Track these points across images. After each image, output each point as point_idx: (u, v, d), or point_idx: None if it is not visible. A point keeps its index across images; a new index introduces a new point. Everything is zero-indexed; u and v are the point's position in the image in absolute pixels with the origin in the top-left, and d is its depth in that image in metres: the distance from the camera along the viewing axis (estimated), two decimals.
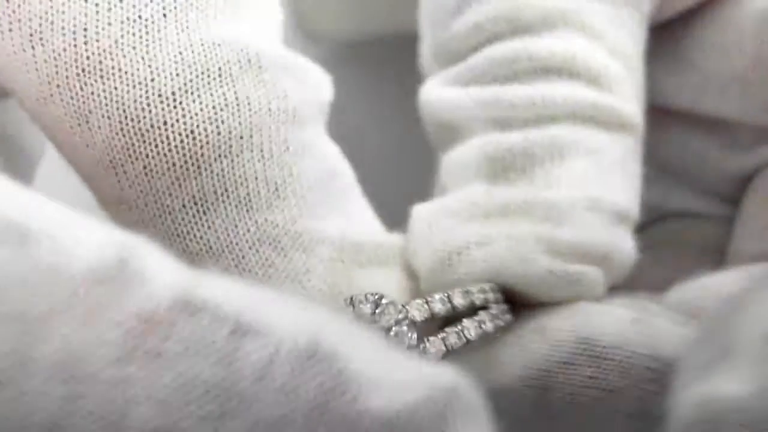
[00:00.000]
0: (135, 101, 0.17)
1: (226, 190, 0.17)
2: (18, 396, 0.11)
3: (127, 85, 0.17)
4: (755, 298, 0.16)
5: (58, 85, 0.17)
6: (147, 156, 0.17)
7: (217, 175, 0.17)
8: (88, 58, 0.17)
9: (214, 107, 0.17)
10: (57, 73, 0.17)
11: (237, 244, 0.17)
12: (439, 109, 0.21)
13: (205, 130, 0.17)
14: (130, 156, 0.17)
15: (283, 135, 0.18)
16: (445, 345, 0.18)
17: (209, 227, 0.17)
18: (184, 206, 0.17)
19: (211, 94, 0.17)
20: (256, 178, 0.17)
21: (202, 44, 0.17)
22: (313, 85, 0.19)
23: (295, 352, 0.12)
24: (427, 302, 0.18)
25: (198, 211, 0.17)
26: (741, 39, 0.23)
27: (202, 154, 0.17)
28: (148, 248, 0.13)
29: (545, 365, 0.18)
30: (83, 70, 0.17)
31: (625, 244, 0.20)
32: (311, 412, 0.12)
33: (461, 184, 0.20)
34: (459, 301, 0.18)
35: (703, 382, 0.15)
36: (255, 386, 0.12)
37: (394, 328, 0.17)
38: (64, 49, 0.17)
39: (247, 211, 0.17)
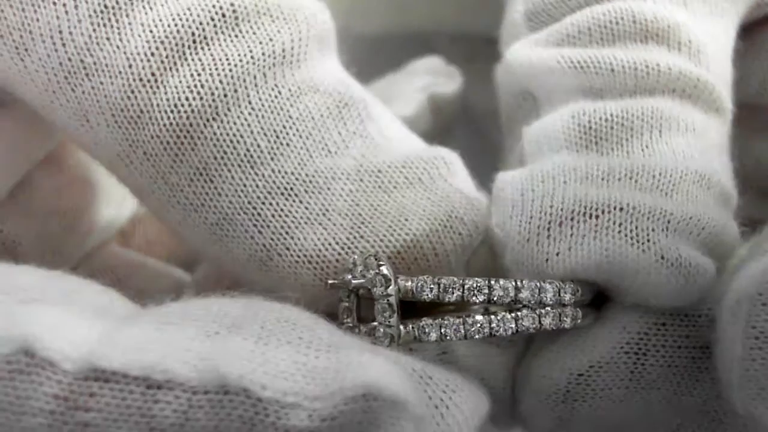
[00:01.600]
0: (120, 91, 0.17)
1: (225, 153, 0.17)
2: None
3: (109, 77, 0.17)
4: None
5: (53, 91, 0.17)
6: (144, 142, 0.17)
7: (212, 140, 0.17)
8: (69, 59, 0.17)
9: (192, 75, 0.17)
10: (49, 80, 0.17)
11: (249, 202, 0.17)
12: (526, 74, 0.21)
13: (187, 99, 0.17)
14: (130, 145, 0.17)
15: (272, 81, 0.17)
16: (517, 326, 0.17)
17: (220, 194, 0.17)
18: (191, 180, 0.17)
19: (188, 63, 0.17)
20: (252, 132, 0.17)
21: (171, 15, 0.17)
22: (305, 20, 0.18)
23: (208, 394, 0.13)
24: (489, 286, 0.17)
25: (205, 181, 0.17)
26: None
27: (191, 124, 0.17)
28: (51, 322, 0.14)
29: (642, 328, 0.18)
30: (69, 72, 0.17)
31: (733, 229, 0.19)
32: None
33: (548, 154, 0.19)
34: (549, 296, 0.17)
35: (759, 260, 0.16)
36: (180, 430, 0.13)
37: (380, 302, 0.17)
38: (48, 56, 0.17)
39: (252, 167, 0.17)
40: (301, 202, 0.17)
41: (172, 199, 0.17)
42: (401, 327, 0.17)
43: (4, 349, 0.13)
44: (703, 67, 0.20)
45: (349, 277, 0.17)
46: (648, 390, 0.18)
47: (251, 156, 0.17)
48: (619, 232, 0.17)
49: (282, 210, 0.17)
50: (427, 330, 0.17)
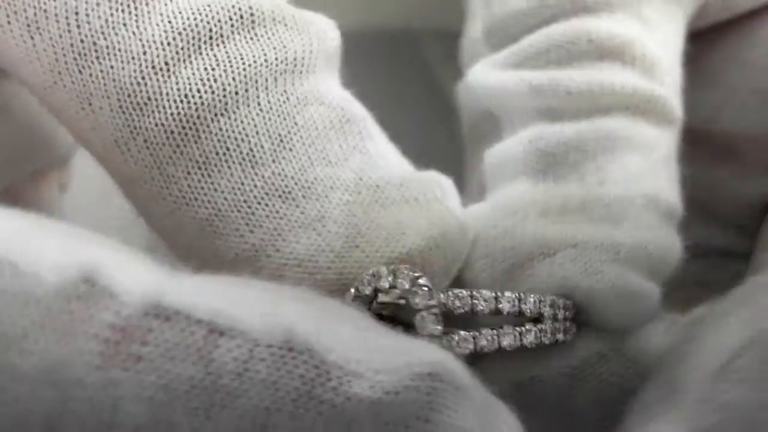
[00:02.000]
0: (130, 77, 0.17)
1: (228, 149, 0.17)
2: (12, 400, 0.12)
3: (121, 61, 0.17)
4: (707, 337, 0.17)
5: (59, 72, 0.17)
6: (147, 129, 0.17)
7: (216, 135, 0.17)
8: (82, 41, 0.17)
9: (206, 69, 0.17)
10: (57, 60, 0.17)
11: (245, 201, 0.17)
12: (487, 95, 0.21)
13: (198, 92, 0.17)
14: (131, 132, 0.17)
15: (282, 86, 0.18)
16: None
17: (216, 189, 0.17)
18: (188, 173, 0.17)
19: (203, 58, 0.17)
20: (257, 132, 0.17)
21: (191, 9, 0.17)
22: (316, 34, 0.19)
23: (272, 347, 0.13)
24: (496, 297, 0.18)
25: (203, 175, 0.17)
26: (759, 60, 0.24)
27: (198, 117, 0.17)
28: (114, 260, 0.14)
29: (585, 353, 0.19)
30: (80, 54, 0.17)
31: (676, 247, 0.20)
32: (295, 402, 0.13)
33: (507, 179, 0.20)
34: (529, 308, 0.18)
35: (646, 424, 0.16)
36: (236, 381, 0.13)
37: (422, 313, 0.17)
38: (60, 36, 0.17)
39: (252, 166, 0.17)
40: (297, 206, 0.17)
41: (165, 191, 0.17)
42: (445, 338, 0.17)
43: (63, 274, 0.13)
44: (656, 81, 0.20)
45: (376, 286, 0.17)
46: (574, 418, 0.19)
47: (253, 155, 0.17)
48: (573, 267, 0.18)
49: (278, 212, 0.17)
50: (463, 342, 0.17)
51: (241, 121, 0.17)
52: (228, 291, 0.14)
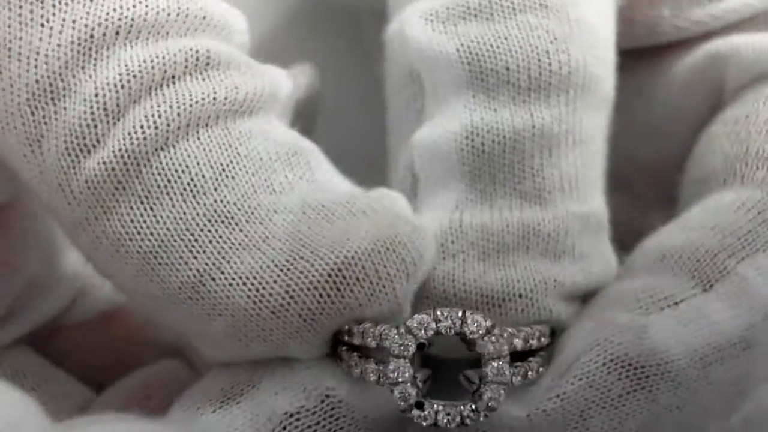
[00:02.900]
0: (80, 119, 0.17)
1: (169, 181, 0.17)
2: None
3: (75, 103, 0.17)
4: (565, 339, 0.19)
5: (12, 113, 0.17)
6: (90, 169, 0.17)
7: (157, 168, 0.17)
8: (37, 81, 0.17)
9: (152, 106, 0.17)
10: (11, 99, 0.17)
11: (188, 229, 0.17)
12: (415, 53, 0.21)
13: (142, 128, 0.17)
14: (75, 174, 0.17)
15: (223, 123, 0.18)
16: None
17: (158, 221, 0.17)
18: (131, 207, 0.17)
19: (152, 97, 0.17)
20: (198, 163, 0.17)
21: (149, 54, 0.17)
22: (269, 80, 0.19)
23: None
24: (503, 336, 0.17)
25: (146, 208, 0.17)
26: (668, 92, 0.25)
27: (140, 152, 0.17)
28: None
29: None
30: (34, 94, 0.17)
31: (612, 262, 0.21)
32: None
33: (441, 181, 0.20)
34: (520, 344, 0.18)
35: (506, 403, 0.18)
36: None
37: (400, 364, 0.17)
38: (19, 75, 0.17)
39: (194, 196, 0.17)
40: (240, 230, 0.17)
41: (108, 229, 0.18)
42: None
43: None
44: (594, 56, 0.20)
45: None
46: None
47: (195, 185, 0.17)
48: (522, 316, 0.19)
49: (221, 237, 0.17)
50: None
51: (182, 154, 0.17)
52: None
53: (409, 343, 0.17)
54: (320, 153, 0.20)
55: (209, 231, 0.17)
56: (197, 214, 0.17)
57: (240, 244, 0.17)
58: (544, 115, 0.19)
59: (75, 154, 0.17)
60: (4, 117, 0.17)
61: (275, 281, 0.17)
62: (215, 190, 0.17)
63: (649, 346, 0.18)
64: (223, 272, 0.17)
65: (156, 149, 0.17)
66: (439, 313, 0.17)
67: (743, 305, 0.19)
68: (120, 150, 0.17)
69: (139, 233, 0.17)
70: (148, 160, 0.17)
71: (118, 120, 0.17)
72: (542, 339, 0.19)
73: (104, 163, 0.17)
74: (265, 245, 0.17)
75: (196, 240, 0.17)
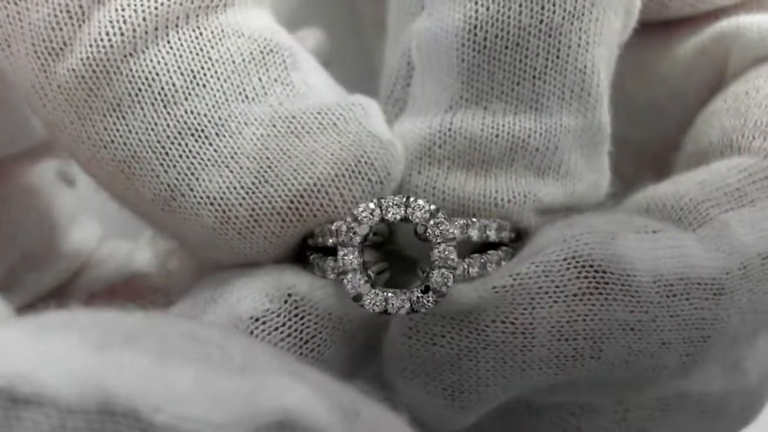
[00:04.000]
0: (44, 21, 0.17)
1: (140, 90, 0.17)
2: None
3: (36, 5, 0.17)
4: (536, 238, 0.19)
5: None
6: (60, 75, 0.17)
7: (127, 76, 0.17)
8: None
9: (116, 10, 0.17)
10: None
11: (159, 141, 0.17)
12: None
13: (108, 34, 0.17)
14: (46, 77, 0.17)
15: (194, 22, 0.17)
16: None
17: (130, 131, 0.17)
18: (103, 116, 0.17)
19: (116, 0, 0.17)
20: (168, 71, 0.17)
21: None
22: None
23: (88, 414, 0.11)
24: (448, 220, 0.17)
25: (117, 117, 0.17)
26: (670, 72, 0.24)
27: (108, 60, 0.17)
28: None
29: None
30: None
31: (603, 178, 0.20)
32: None
33: (437, 73, 0.19)
34: (475, 234, 0.18)
35: None
36: None
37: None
38: None
39: (165, 106, 0.17)
40: (210, 144, 0.17)
41: (83, 135, 0.17)
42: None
43: None
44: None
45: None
46: None
47: (165, 95, 0.17)
48: (497, 234, 0.18)
49: (191, 151, 0.17)
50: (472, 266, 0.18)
51: (151, 61, 0.17)
52: (35, 343, 0.12)
53: (355, 230, 0.17)
54: (299, 48, 0.19)
55: (180, 144, 0.17)
56: (168, 126, 0.17)
57: (209, 160, 0.17)
58: (556, 9, 0.18)
59: (44, 57, 0.17)
60: None
61: (240, 204, 0.17)
62: (186, 99, 0.17)
63: (616, 253, 0.17)
64: (192, 189, 0.17)
65: (124, 56, 0.17)
66: (384, 200, 0.17)
67: (721, 250, 0.18)
68: (88, 58, 0.17)
69: (112, 142, 0.17)
70: (118, 68, 0.17)
71: (83, 23, 0.17)
72: (502, 232, 0.18)
73: (73, 70, 0.17)
74: (233, 162, 0.17)
75: (167, 153, 0.17)
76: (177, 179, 0.17)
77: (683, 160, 0.23)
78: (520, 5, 0.18)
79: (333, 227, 0.17)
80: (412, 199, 0.17)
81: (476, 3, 0.18)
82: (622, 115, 0.22)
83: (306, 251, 0.18)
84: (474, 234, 0.18)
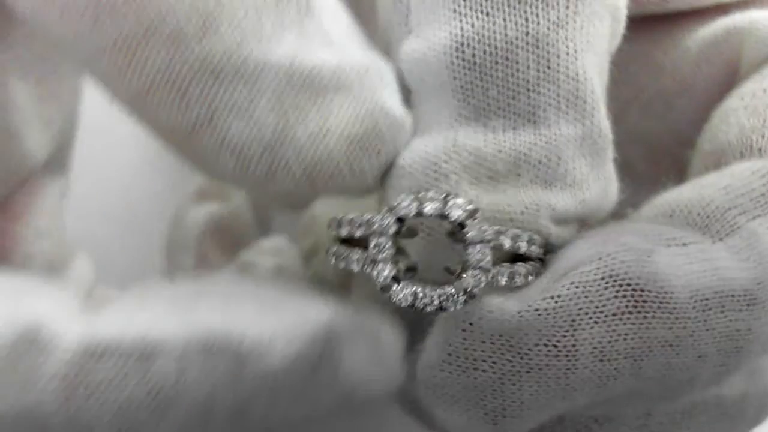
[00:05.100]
0: None
1: (148, 29, 0.16)
2: None
3: None
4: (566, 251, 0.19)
5: None
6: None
7: (133, 16, 0.16)
8: None
9: None
10: None
11: (176, 79, 0.17)
12: None
13: None
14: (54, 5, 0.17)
15: None
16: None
17: (144, 66, 0.17)
18: (114, 45, 0.17)
19: None
20: (176, 14, 0.16)
21: None
22: None
23: (197, 352, 0.15)
24: (487, 223, 0.17)
25: (128, 50, 0.17)
26: (679, 63, 0.24)
27: None
28: (50, 308, 0.15)
29: None
30: None
31: (612, 189, 0.20)
32: (226, 388, 0.15)
33: (431, 93, 0.19)
34: (507, 242, 0.18)
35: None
36: (174, 390, 0.15)
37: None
38: None
39: (178, 45, 0.17)
40: (227, 88, 0.17)
41: (99, 58, 0.17)
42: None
43: (9, 333, 0.15)
44: None
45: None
46: None
47: (178, 35, 0.17)
48: (512, 243, 0.18)
49: (209, 92, 0.17)
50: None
51: (159, 2, 0.16)
52: (148, 307, 0.16)
53: (390, 221, 0.17)
54: None
55: (198, 84, 0.17)
56: (185, 63, 0.17)
57: (227, 103, 0.17)
58: (540, 20, 0.18)
59: None
60: None
61: (258, 159, 0.17)
62: (201, 40, 0.17)
63: (652, 270, 0.17)
64: (212, 133, 0.17)
65: None
66: (422, 194, 0.17)
67: (752, 259, 0.18)
68: None
69: (129, 68, 0.17)
70: (122, 7, 0.16)
71: None
72: (532, 245, 0.18)
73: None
74: (252, 111, 0.17)
75: (185, 92, 0.17)
76: (197, 119, 0.17)
77: (700, 159, 0.23)
78: (504, 19, 0.18)
79: (365, 218, 0.17)
80: (450, 195, 0.17)
81: (461, 21, 0.18)
82: (632, 107, 0.23)
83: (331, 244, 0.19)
84: (506, 242, 0.17)
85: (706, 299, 0.17)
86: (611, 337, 0.17)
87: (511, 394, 0.17)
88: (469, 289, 0.17)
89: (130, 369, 0.15)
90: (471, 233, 0.17)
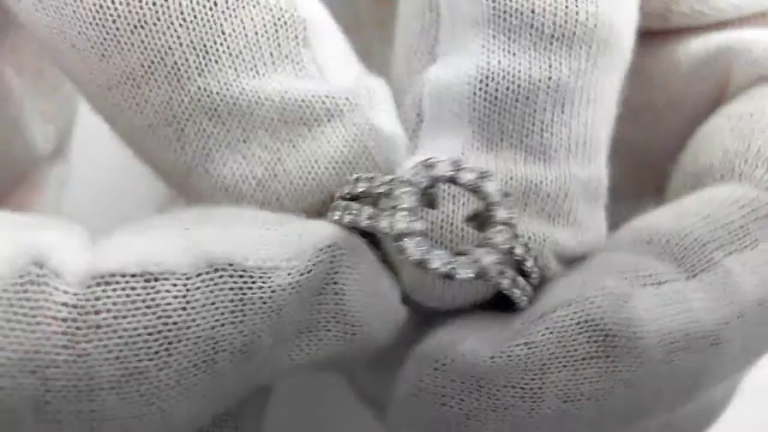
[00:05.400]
0: None
1: (152, 63, 0.17)
2: None
3: None
4: (548, 289, 0.19)
5: None
6: (72, 35, 0.17)
7: (139, 48, 0.17)
8: None
9: None
10: None
11: (174, 117, 0.17)
12: None
13: (113, 2, 0.17)
14: (64, 38, 0.17)
15: None
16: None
17: (146, 101, 0.17)
18: (119, 82, 0.17)
19: None
20: (181, 45, 0.17)
21: None
22: None
23: (201, 275, 0.15)
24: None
25: (132, 86, 0.17)
26: (670, 77, 0.24)
27: (117, 29, 0.17)
28: (54, 241, 0.15)
29: None
30: None
31: (602, 232, 0.20)
32: (234, 312, 0.15)
33: (449, 123, 0.19)
34: (519, 249, 0.18)
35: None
36: (182, 315, 0.15)
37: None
38: None
39: (178, 81, 0.17)
40: (223, 124, 0.17)
41: (101, 97, 0.17)
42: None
43: (15, 264, 0.14)
44: (621, 12, 0.19)
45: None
46: None
47: (179, 70, 0.17)
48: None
49: (205, 130, 0.17)
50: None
51: (164, 33, 0.17)
52: (149, 236, 0.15)
53: (423, 175, 0.17)
54: (319, 17, 0.19)
55: (194, 122, 0.17)
56: (182, 102, 0.17)
57: (222, 141, 0.17)
58: (562, 68, 0.18)
59: (60, 18, 0.17)
60: None
61: (251, 196, 0.18)
62: (199, 76, 0.17)
63: (627, 316, 0.17)
64: (207, 172, 0.18)
65: (134, 27, 0.17)
66: (459, 162, 0.17)
67: (722, 299, 0.19)
68: (96, 23, 0.17)
69: (129, 108, 0.17)
70: (128, 39, 0.17)
71: None
72: (535, 267, 0.18)
73: (84, 34, 0.17)
74: (246, 149, 0.18)
75: (182, 130, 0.17)
76: (193, 158, 0.18)
77: (681, 177, 0.23)
78: (530, 61, 0.18)
79: (388, 176, 0.17)
80: (487, 173, 0.17)
81: (488, 56, 0.18)
82: (620, 117, 0.22)
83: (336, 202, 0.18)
84: (518, 249, 0.18)
85: (675, 341, 0.18)
86: (577, 380, 0.17)
87: (475, 429, 0.18)
88: (504, 248, 0.17)
89: (137, 295, 0.14)
90: (500, 213, 0.17)
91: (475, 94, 0.18)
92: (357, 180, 0.18)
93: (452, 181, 0.17)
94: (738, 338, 0.19)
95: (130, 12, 0.16)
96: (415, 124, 0.20)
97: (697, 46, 0.24)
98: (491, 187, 0.17)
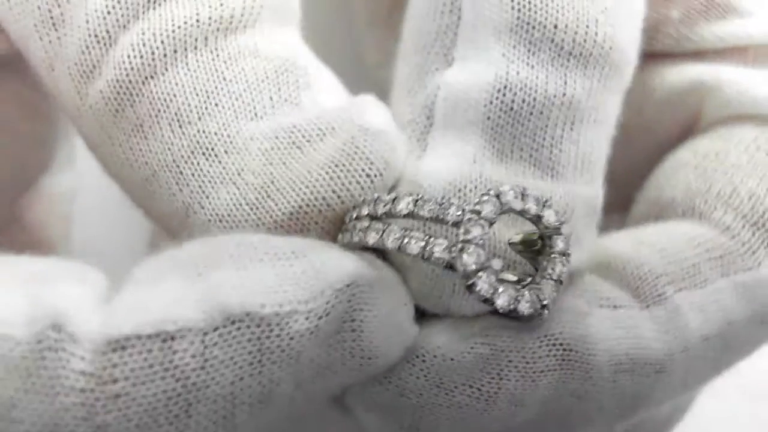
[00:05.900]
0: (77, 45, 0.18)
1: (159, 111, 0.18)
2: None
3: (71, 30, 0.18)
4: None
5: (27, 37, 0.18)
6: (91, 96, 0.18)
7: (148, 98, 0.18)
8: (39, 8, 0.18)
9: (137, 33, 0.17)
10: (24, 25, 0.18)
11: (174, 160, 0.18)
12: None
13: (129, 57, 0.17)
14: (80, 98, 0.18)
15: (212, 44, 0.18)
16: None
17: (150, 151, 0.18)
18: (128, 136, 0.18)
19: (139, 22, 0.17)
20: (185, 92, 0.18)
21: None
22: None
23: (218, 330, 0.15)
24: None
25: (140, 138, 0.18)
26: (644, 102, 0.25)
27: (131, 82, 0.17)
28: (70, 296, 0.15)
29: None
30: (39, 21, 0.18)
31: (591, 248, 0.20)
32: (252, 364, 0.15)
33: (460, 127, 0.19)
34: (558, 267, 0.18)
35: None
36: (201, 374, 0.15)
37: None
38: (22, 2, 0.18)
39: (180, 126, 0.18)
40: (219, 162, 0.18)
41: (113, 153, 0.18)
42: None
43: (34, 328, 0.14)
44: (633, 37, 0.20)
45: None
46: None
47: (181, 115, 0.18)
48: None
49: (201, 169, 0.18)
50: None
51: (169, 83, 0.18)
52: (162, 289, 0.15)
53: (492, 206, 0.17)
54: (317, 66, 0.19)
55: (192, 163, 0.18)
56: (182, 145, 0.18)
57: (217, 177, 0.18)
58: (576, 86, 0.19)
59: (78, 79, 0.18)
60: (24, 40, 0.18)
61: (246, 220, 0.18)
62: (199, 119, 0.18)
63: (583, 333, 0.18)
64: (203, 207, 0.18)
65: (146, 78, 0.18)
66: (521, 190, 0.17)
67: (670, 333, 0.19)
68: (112, 80, 0.18)
69: (136, 161, 0.18)
70: (140, 90, 0.18)
71: (110, 47, 0.18)
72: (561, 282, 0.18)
73: (101, 92, 0.18)
74: (240, 179, 0.18)
75: (181, 172, 0.18)
76: (190, 197, 0.18)
77: (644, 204, 0.24)
78: (547, 75, 0.19)
79: (442, 198, 0.17)
80: (548, 201, 0.18)
81: (508, 66, 0.19)
82: None
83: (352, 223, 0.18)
84: (559, 269, 0.18)
85: (621, 363, 0.19)
86: (532, 389, 0.18)
87: (428, 421, 0.18)
88: (560, 278, 0.17)
89: (154, 358, 0.14)
90: (559, 244, 0.17)
91: (491, 102, 0.19)
92: (395, 199, 0.18)
93: (521, 213, 0.17)
94: (681, 369, 0.20)
95: (143, 64, 0.17)
96: (424, 126, 0.19)
97: (674, 76, 0.25)
98: (552, 218, 0.17)
